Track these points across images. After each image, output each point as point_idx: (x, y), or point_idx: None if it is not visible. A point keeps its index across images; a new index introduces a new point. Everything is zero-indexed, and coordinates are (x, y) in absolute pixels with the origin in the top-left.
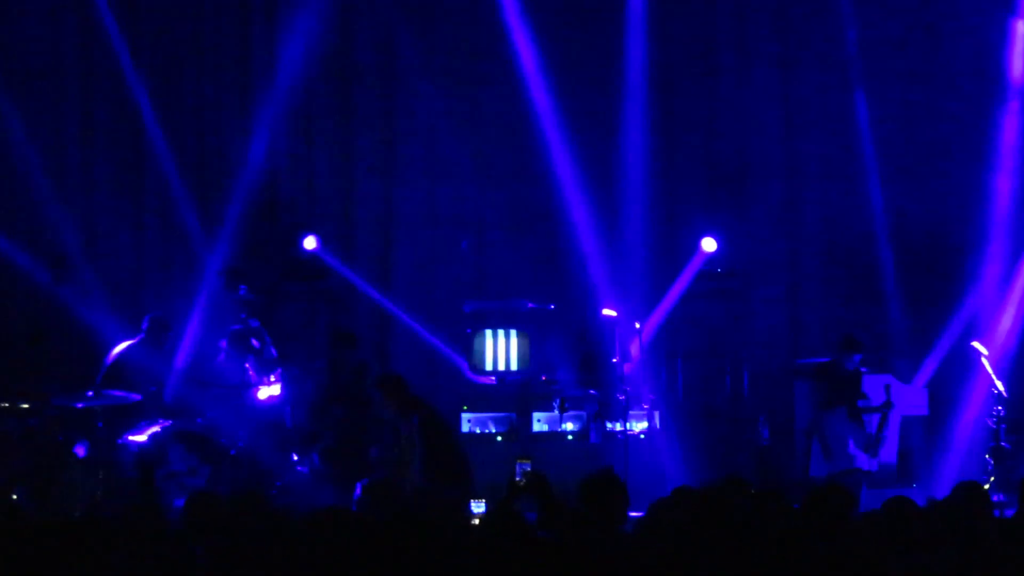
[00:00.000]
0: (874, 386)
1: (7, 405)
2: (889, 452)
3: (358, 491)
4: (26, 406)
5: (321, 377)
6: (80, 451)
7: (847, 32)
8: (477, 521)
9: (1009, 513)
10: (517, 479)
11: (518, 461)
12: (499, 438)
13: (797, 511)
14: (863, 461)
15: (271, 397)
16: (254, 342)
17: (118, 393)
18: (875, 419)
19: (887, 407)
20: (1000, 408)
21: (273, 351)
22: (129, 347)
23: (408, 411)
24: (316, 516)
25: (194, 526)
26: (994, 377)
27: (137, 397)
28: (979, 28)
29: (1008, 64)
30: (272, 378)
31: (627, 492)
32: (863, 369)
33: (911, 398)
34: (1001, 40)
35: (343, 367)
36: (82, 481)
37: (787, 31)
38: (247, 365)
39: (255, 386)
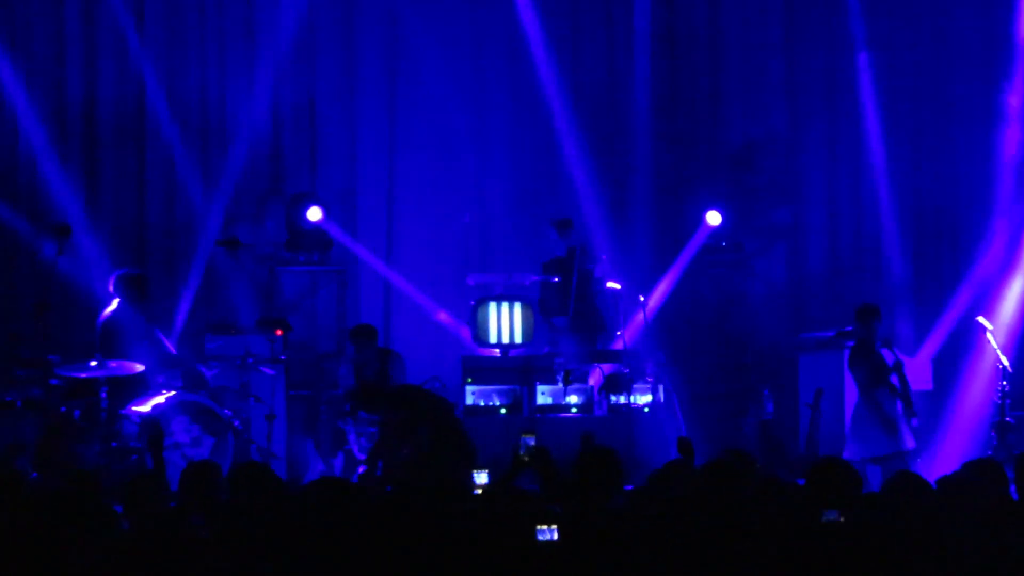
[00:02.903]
0: None
1: (10, 375)
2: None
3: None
4: (29, 376)
5: (347, 380)
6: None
7: (852, 3)
8: (479, 492)
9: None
10: (521, 453)
11: (522, 435)
12: (503, 411)
13: (800, 486)
14: (911, 440)
15: None
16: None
17: (121, 363)
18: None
19: (900, 366)
20: (1005, 383)
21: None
22: (112, 313)
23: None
24: (317, 487)
25: (193, 496)
26: (999, 352)
27: (140, 367)
28: None
29: (1016, 29)
30: None
31: (621, 464)
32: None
33: (916, 372)
34: (1009, 3)
35: (367, 364)
36: (84, 451)
37: (791, 2)
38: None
39: None
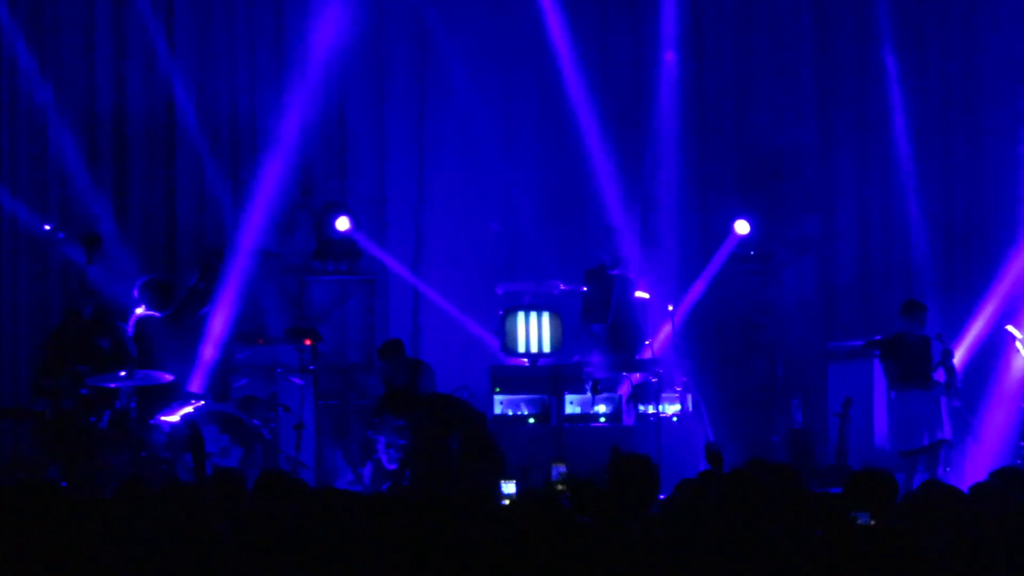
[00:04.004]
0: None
1: (40, 385)
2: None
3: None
4: (59, 386)
5: (378, 391)
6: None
7: (881, 7)
8: (507, 502)
9: None
10: (554, 480)
11: (553, 464)
12: (531, 420)
13: (833, 495)
14: (923, 438)
15: None
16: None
17: (150, 373)
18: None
19: (948, 355)
20: None
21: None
22: (138, 318)
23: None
24: (343, 496)
25: (217, 504)
26: None
27: (170, 377)
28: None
29: None
30: None
31: (657, 474)
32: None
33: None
34: None
35: (397, 375)
36: (114, 460)
37: (822, 10)
38: None
39: None
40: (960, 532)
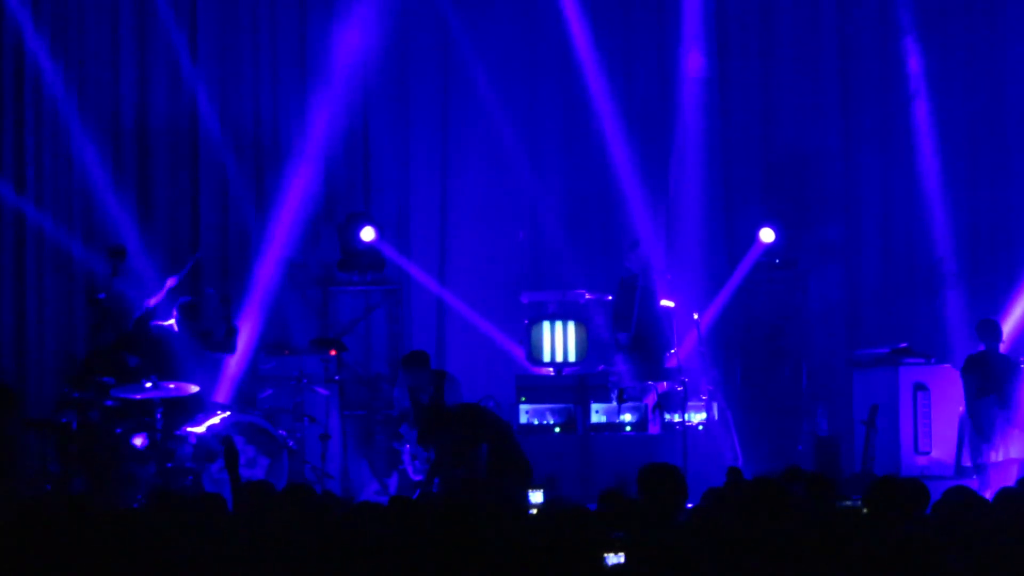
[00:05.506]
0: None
1: (66, 397)
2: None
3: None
4: (85, 398)
5: (402, 402)
6: (138, 441)
7: (905, 13)
8: (534, 511)
9: None
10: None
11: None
12: (557, 429)
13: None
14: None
15: None
16: None
17: (177, 384)
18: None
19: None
20: None
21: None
22: (165, 325)
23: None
24: (368, 507)
25: (244, 516)
26: None
27: (196, 388)
28: None
29: None
30: None
31: (685, 483)
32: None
33: None
34: None
35: (422, 387)
36: (140, 472)
37: (846, 14)
38: None
39: None
40: (984, 538)
